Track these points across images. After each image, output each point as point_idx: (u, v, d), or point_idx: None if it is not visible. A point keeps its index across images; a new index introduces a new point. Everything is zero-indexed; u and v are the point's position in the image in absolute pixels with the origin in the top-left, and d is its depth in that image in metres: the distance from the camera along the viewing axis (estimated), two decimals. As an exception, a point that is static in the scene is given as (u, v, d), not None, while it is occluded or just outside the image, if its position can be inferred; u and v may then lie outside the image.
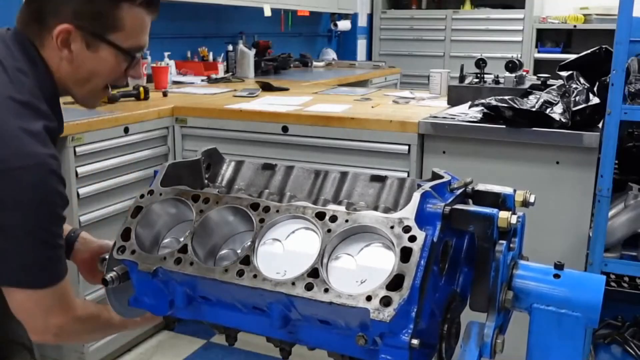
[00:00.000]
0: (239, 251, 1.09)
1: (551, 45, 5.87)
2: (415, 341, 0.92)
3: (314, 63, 5.44)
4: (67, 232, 1.44)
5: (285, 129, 2.75)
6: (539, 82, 2.84)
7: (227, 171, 1.30)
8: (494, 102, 2.41)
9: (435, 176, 1.13)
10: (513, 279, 1.07)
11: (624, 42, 2.19)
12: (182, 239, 1.10)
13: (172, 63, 3.87)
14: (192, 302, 1.09)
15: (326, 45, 6.17)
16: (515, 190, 1.11)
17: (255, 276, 0.98)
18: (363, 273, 0.97)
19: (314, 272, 0.96)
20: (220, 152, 1.32)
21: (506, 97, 2.43)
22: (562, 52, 5.59)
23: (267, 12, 4.46)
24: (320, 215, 1.02)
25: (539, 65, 5.59)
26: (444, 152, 2.54)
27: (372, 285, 0.93)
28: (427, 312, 0.98)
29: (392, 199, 1.17)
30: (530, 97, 2.51)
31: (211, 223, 1.09)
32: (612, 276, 2.77)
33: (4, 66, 1.24)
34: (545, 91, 2.57)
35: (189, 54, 4.34)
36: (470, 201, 1.11)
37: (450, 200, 1.04)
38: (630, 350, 2.64)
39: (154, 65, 3.56)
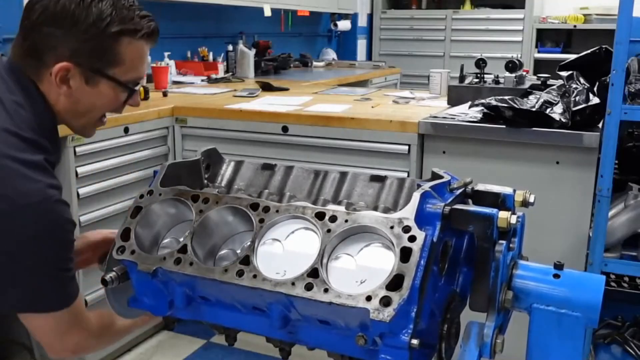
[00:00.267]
0: (238, 251, 1.09)
1: (551, 45, 5.87)
2: (415, 341, 0.92)
3: (314, 63, 5.43)
4: None
5: (285, 129, 2.74)
6: (539, 82, 2.84)
7: (226, 171, 1.30)
8: (494, 102, 2.41)
9: (435, 176, 1.13)
10: (513, 279, 1.07)
11: (624, 42, 2.19)
12: (181, 239, 1.10)
13: (172, 63, 3.87)
14: (192, 302, 1.09)
15: (326, 45, 6.17)
16: (514, 190, 1.11)
17: (255, 276, 0.98)
18: (363, 273, 0.97)
19: (313, 272, 0.96)
20: (220, 152, 1.32)
21: (506, 97, 2.43)
22: (562, 52, 5.58)
23: (267, 12, 4.46)
24: (320, 216, 1.02)
25: (539, 65, 5.58)
26: (444, 152, 2.54)
27: (371, 286, 0.93)
28: (426, 312, 0.98)
29: (391, 199, 1.17)
30: (530, 97, 2.51)
31: (211, 223, 1.09)
32: (612, 276, 2.77)
33: (1, 100, 1.22)
34: (545, 91, 2.56)
35: (189, 54, 4.34)
36: (470, 201, 1.12)
37: (449, 200, 1.04)
38: (630, 350, 2.64)
39: (154, 65, 3.55)
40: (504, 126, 2.40)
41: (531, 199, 1.10)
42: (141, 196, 1.14)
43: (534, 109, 2.34)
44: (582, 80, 2.48)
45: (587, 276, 1.08)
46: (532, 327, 1.05)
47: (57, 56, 1.24)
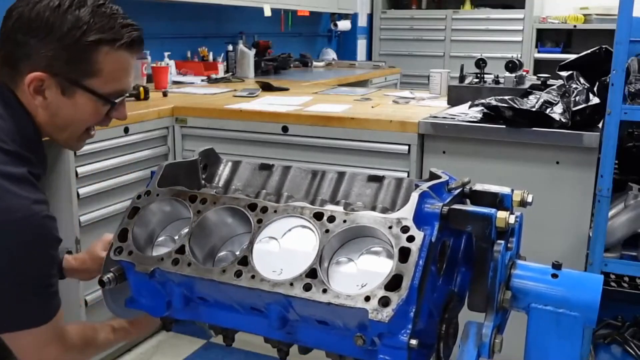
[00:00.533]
0: (237, 253, 1.09)
1: (551, 45, 5.87)
2: (413, 341, 0.92)
3: (314, 63, 5.43)
4: None
5: (285, 129, 2.74)
6: (539, 82, 2.84)
7: (224, 171, 1.30)
8: (494, 102, 2.40)
9: (433, 176, 1.13)
10: (511, 279, 1.07)
11: (624, 42, 2.19)
12: (176, 237, 1.10)
13: (172, 63, 3.87)
14: (190, 303, 1.09)
15: (326, 45, 6.17)
16: (512, 190, 1.11)
17: (253, 277, 0.98)
18: (364, 277, 0.97)
19: (312, 273, 0.96)
20: (219, 152, 1.32)
21: (506, 97, 2.43)
22: (562, 52, 5.58)
23: (267, 12, 4.46)
24: (318, 216, 1.02)
25: (539, 65, 5.58)
26: (444, 152, 2.54)
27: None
28: (425, 312, 0.98)
29: (389, 199, 1.17)
30: (530, 97, 2.51)
31: (209, 224, 1.09)
32: (612, 276, 2.76)
33: None
34: (545, 91, 2.56)
35: (189, 54, 4.34)
36: (468, 201, 1.11)
37: (448, 200, 1.04)
38: (630, 350, 2.64)
39: (154, 65, 3.56)
40: (504, 126, 2.40)
41: (529, 199, 1.10)
42: (138, 197, 1.14)
43: (534, 109, 2.34)
44: (582, 80, 2.48)
45: (585, 276, 1.08)
46: (530, 327, 1.05)
47: (31, 65, 1.18)
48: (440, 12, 6.10)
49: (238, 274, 0.99)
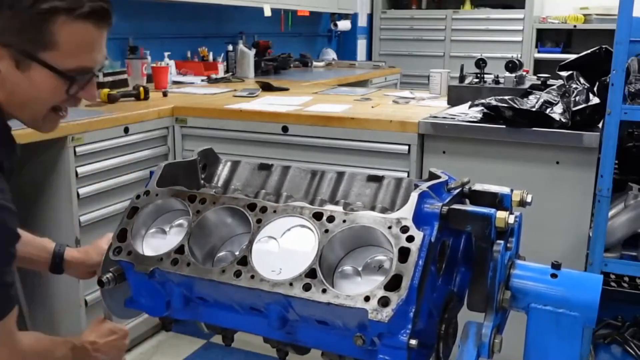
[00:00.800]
0: (237, 253, 1.09)
1: (551, 45, 5.87)
2: (413, 341, 0.92)
3: (314, 63, 5.43)
4: (50, 254, 1.43)
5: (285, 129, 2.74)
6: (539, 82, 2.83)
7: (223, 171, 1.30)
8: (494, 102, 2.40)
9: (433, 176, 1.13)
10: (510, 279, 1.07)
11: (624, 42, 2.19)
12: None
13: (172, 63, 3.87)
14: (189, 303, 1.09)
15: (326, 45, 6.16)
16: (512, 190, 1.11)
17: (252, 277, 0.98)
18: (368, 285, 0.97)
19: (311, 273, 0.96)
20: (219, 153, 1.32)
21: (506, 97, 2.43)
22: (562, 52, 5.57)
23: (267, 12, 4.46)
24: (318, 216, 1.02)
25: (539, 65, 5.57)
26: (444, 152, 2.53)
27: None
28: (425, 312, 0.98)
29: (389, 199, 1.17)
30: (530, 97, 2.50)
31: (208, 224, 1.09)
32: (612, 276, 2.76)
33: None
34: (545, 91, 2.56)
35: (189, 54, 4.34)
36: (467, 201, 1.11)
37: (447, 200, 1.04)
38: (630, 350, 2.63)
39: (154, 65, 3.56)
40: (504, 126, 2.40)
41: (528, 199, 1.10)
42: (137, 196, 1.14)
43: (534, 109, 2.34)
44: (582, 80, 2.47)
45: (584, 276, 1.08)
46: (529, 327, 1.05)
47: None
48: (440, 12, 6.09)
49: (237, 274, 0.99)
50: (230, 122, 2.85)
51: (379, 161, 2.59)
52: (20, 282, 2.45)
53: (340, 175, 1.22)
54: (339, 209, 1.04)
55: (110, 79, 3.32)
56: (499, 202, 1.09)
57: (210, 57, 4.36)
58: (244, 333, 1.13)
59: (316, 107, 2.89)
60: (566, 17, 5.66)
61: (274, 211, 1.05)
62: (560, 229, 2.40)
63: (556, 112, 2.33)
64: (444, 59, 5.98)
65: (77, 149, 2.41)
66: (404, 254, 0.94)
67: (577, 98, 2.34)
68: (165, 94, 3.27)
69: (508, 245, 1.06)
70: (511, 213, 1.03)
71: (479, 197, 1.10)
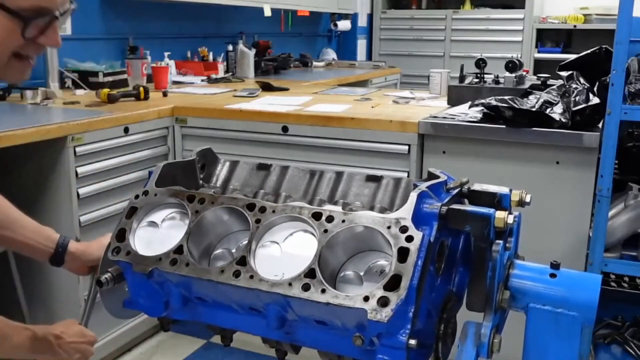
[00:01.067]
0: (233, 250, 1.09)
1: (551, 45, 5.87)
2: (412, 341, 0.91)
3: (314, 63, 5.43)
4: (54, 244, 1.42)
5: (285, 129, 2.74)
6: (539, 82, 2.83)
7: (221, 171, 1.30)
8: (494, 102, 2.40)
9: (432, 176, 1.13)
10: (509, 279, 1.07)
11: (624, 42, 2.19)
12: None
13: (172, 63, 3.87)
14: (188, 303, 1.08)
15: (326, 45, 6.17)
16: (511, 190, 1.11)
17: (251, 277, 0.98)
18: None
19: (310, 273, 0.96)
20: (219, 153, 1.32)
21: (506, 97, 2.43)
22: (562, 52, 5.58)
23: (267, 12, 4.46)
24: (317, 216, 1.02)
25: (539, 65, 5.58)
26: (444, 152, 2.54)
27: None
28: (424, 312, 0.98)
29: (387, 199, 1.17)
30: (530, 97, 2.50)
31: (207, 224, 1.09)
32: (612, 276, 2.76)
33: None
34: (545, 91, 2.56)
35: (189, 54, 4.34)
36: (466, 201, 1.11)
37: (446, 200, 1.04)
38: (630, 350, 2.63)
39: (154, 65, 3.56)
40: (504, 126, 2.40)
41: (527, 199, 1.10)
42: (136, 197, 1.13)
43: (534, 109, 2.34)
44: (582, 80, 2.48)
45: (583, 275, 1.08)
46: (528, 327, 1.05)
47: None
48: (440, 12, 6.10)
49: (236, 274, 0.99)
50: (230, 122, 2.85)
51: (379, 161, 2.59)
52: (20, 281, 2.46)
53: (339, 175, 1.22)
54: (338, 209, 1.04)
55: (110, 79, 3.33)
56: (498, 202, 1.09)
57: (210, 57, 4.37)
58: (243, 333, 1.13)
59: (316, 107, 2.90)
60: (566, 17, 5.67)
61: (273, 211, 1.05)
62: (560, 229, 2.40)
63: (556, 112, 2.33)
64: (444, 59, 5.98)
65: (77, 149, 2.41)
66: (403, 254, 0.93)
67: (577, 98, 2.34)
68: (165, 94, 3.27)
69: (507, 245, 1.06)
70: (510, 213, 1.03)
71: (477, 197, 1.10)
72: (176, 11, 4.12)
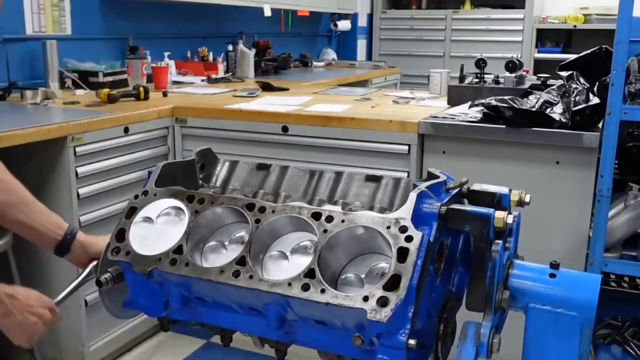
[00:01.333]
0: (226, 242, 1.08)
1: (551, 45, 5.87)
2: (412, 341, 0.91)
3: (314, 63, 5.43)
4: (63, 232, 1.42)
5: (285, 129, 2.74)
6: (539, 82, 2.83)
7: (221, 171, 1.30)
8: (494, 102, 2.40)
9: (431, 176, 1.13)
10: (509, 279, 1.07)
11: (624, 42, 2.19)
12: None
13: (172, 63, 3.87)
14: (188, 303, 1.08)
15: (326, 45, 6.17)
16: (510, 190, 1.11)
17: (251, 277, 0.98)
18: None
19: (310, 273, 0.96)
20: (219, 153, 1.32)
21: (506, 97, 2.43)
22: (562, 52, 5.58)
23: (267, 12, 4.46)
24: (317, 216, 1.02)
25: (539, 65, 5.58)
26: (444, 152, 2.54)
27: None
28: (423, 312, 0.98)
29: (387, 199, 1.17)
30: (530, 97, 2.50)
31: (207, 224, 1.09)
32: (612, 276, 2.76)
33: None
34: (545, 91, 2.56)
35: (189, 54, 4.34)
36: (466, 201, 1.11)
37: (446, 200, 1.04)
38: (630, 350, 2.63)
39: (154, 65, 3.56)
40: (504, 126, 2.40)
41: (527, 199, 1.10)
42: (136, 197, 1.13)
43: (534, 109, 2.34)
44: (582, 80, 2.48)
45: (583, 275, 1.08)
46: (528, 327, 1.05)
47: None
48: (440, 12, 6.10)
49: (236, 274, 0.99)
50: (230, 122, 2.85)
51: (379, 161, 2.59)
52: (20, 281, 2.46)
53: (339, 175, 1.22)
54: (338, 208, 1.04)
55: (110, 79, 3.33)
56: (498, 202, 1.09)
57: (210, 57, 4.37)
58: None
59: (316, 107, 2.89)
60: (566, 17, 5.67)
61: (273, 211, 1.05)
62: (560, 229, 2.40)
63: (556, 112, 2.33)
64: (444, 59, 5.98)
65: (77, 149, 2.41)
66: (402, 254, 0.94)
67: (577, 98, 2.34)
68: (165, 94, 3.27)
69: (507, 245, 1.06)
70: (510, 213, 1.03)
71: (477, 197, 1.10)
72: (176, 11, 4.12)
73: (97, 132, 2.50)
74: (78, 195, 2.44)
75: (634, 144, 2.72)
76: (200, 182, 1.27)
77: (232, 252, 1.04)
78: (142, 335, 2.89)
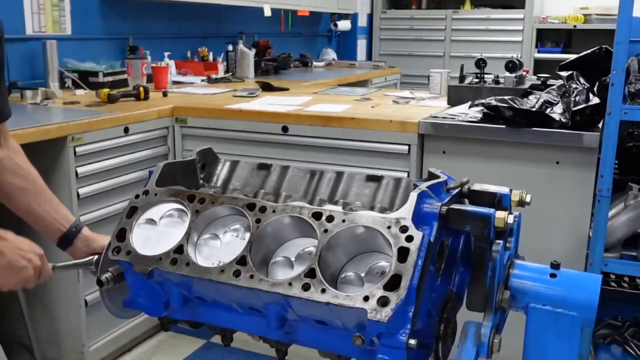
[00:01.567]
0: (220, 235, 1.08)
1: (551, 45, 5.87)
2: (412, 341, 0.91)
3: (314, 63, 5.43)
4: (69, 224, 1.40)
5: (285, 129, 2.74)
6: (539, 82, 2.83)
7: (222, 171, 1.30)
8: (494, 102, 2.40)
9: (432, 176, 1.13)
10: (509, 279, 1.07)
11: (624, 42, 2.19)
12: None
13: (172, 63, 3.87)
14: (188, 302, 1.08)
15: (326, 45, 6.16)
16: (511, 190, 1.11)
17: (251, 277, 0.98)
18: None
19: (310, 273, 0.96)
20: (219, 153, 1.32)
21: (506, 97, 2.43)
22: (562, 52, 5.58)
23: (267, 12, 4.46)
24: (317, 216, 1.02)
25: (539, 65, 5.58)
26: (444, 152, 2.54)
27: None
28: (424, 312, 0.98)
29: (388, 199, 1.17)
30: (530, 97, 2.50)
31: (207, 223, 1.09)
32: (612, 276, 2.76)
33: None
34: (545, 91, 2.56)
35: (189, 54, 4.34)
36: (466, 201, 1.11)
37: (446, 200, 1.04)
38: (630, 350, 2.63)
39: (154, 65, 3.56)
40: (504, 126, 2.40)
41: (527, 199, 1.10)
42: (137, 196, 1.14)
43: (534, 109, 2.34)
44: (582, 80, 2.48)
45: (583, 275, 1.08)
46: (528, 327, 1.05)
47: None
48: (440, 12, 6.10)
49: (236, 274, 0.99)
50: (230, 122, 2.85)
51: (379, 161, 2.59)
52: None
53: (339, 175, 1.22)
54: (338, 208, 1.04)
55: (110, 79, 3.33)
56: (498, 202, 1.09)
57: (210, 57, 4.37)
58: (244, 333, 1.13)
59: (316, 107, 2.89)
60: (566, 17, 5.67)
61: (273, 211, 1.05)
62: (560, 229, 2.40)
63: (556, 112, 2.33)
64: (444, 59, 5.98)
65: (77, 149, 2.41)
66: (403, 253, 0.94)
67: (577, 98, 2.34)
68: (165, 94, 3.27)
69: (507, 245, 1.06)
70: (510, 213, 1.03)
71: (477, 197, 1.10)
72: (176, 11, 4.12)
73: (97, 132, 2.50)
74: (78, 195, 2.44)
75: (634, 144, 2.72)
76: (201, 182, 1.27)
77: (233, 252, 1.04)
78: (142, 335, 2.89)
